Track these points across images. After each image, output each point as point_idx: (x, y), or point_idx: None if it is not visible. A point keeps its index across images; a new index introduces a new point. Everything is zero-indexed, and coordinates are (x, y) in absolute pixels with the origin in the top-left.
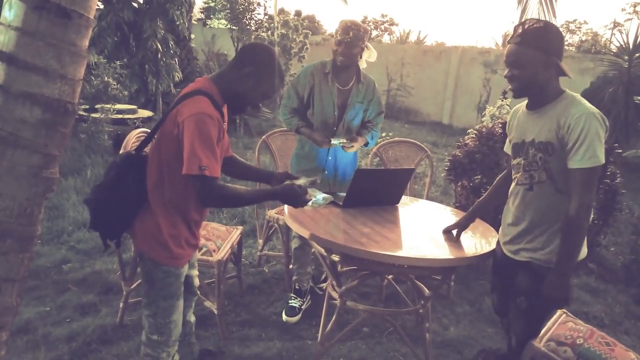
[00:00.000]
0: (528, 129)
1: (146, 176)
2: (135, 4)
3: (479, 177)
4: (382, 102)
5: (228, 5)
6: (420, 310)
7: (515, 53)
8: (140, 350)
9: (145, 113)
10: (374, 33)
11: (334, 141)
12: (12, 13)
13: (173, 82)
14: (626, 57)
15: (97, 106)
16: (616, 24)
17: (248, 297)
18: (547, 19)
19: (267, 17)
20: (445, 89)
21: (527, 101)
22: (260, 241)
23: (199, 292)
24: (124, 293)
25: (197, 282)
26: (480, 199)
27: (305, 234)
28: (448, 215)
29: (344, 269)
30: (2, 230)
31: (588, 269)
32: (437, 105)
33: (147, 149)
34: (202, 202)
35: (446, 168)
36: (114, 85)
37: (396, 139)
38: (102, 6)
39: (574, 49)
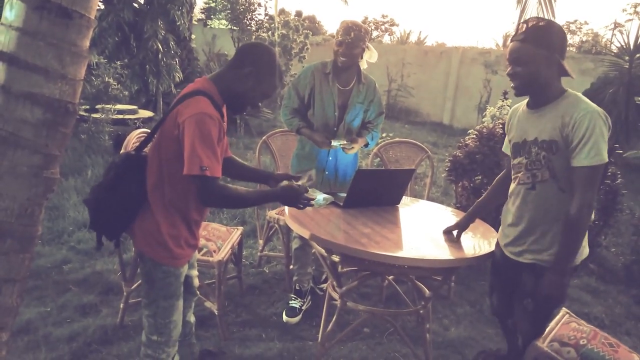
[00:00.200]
0: (529, 127)
1: (146, 176)
2: (136, 5)
3: (480, 177)
4: (383, 103)
5: (229, 6)
6: (421, 311)
7: (518, 50)
8: (141, 350)
9: (145, 113)
10: (375, 33)
11: (334, 143)
12: (13, 13)
13: (174, 82)
14: (627, 58)
15: (98, 106)
16: (617, 25)
17: (248, 297)
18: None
19: (267, 17)
20: (445, 89)
21: (526, 100)
22: (261, 242)
23: (199, 293)
24: (125, 293)
25: (197, 282)
26: (480, 199)
27: (306, 234)
28: (448, 216)
29: (345, 269)
30: (3, 231)
31: (589, 269)
32: (438, 105)
33: (146, 149)
34: (203, 202)
35: (447, 168)
36: (115, 85)
37: (397, 139)
38: (102, 6)
39: (574, 50)
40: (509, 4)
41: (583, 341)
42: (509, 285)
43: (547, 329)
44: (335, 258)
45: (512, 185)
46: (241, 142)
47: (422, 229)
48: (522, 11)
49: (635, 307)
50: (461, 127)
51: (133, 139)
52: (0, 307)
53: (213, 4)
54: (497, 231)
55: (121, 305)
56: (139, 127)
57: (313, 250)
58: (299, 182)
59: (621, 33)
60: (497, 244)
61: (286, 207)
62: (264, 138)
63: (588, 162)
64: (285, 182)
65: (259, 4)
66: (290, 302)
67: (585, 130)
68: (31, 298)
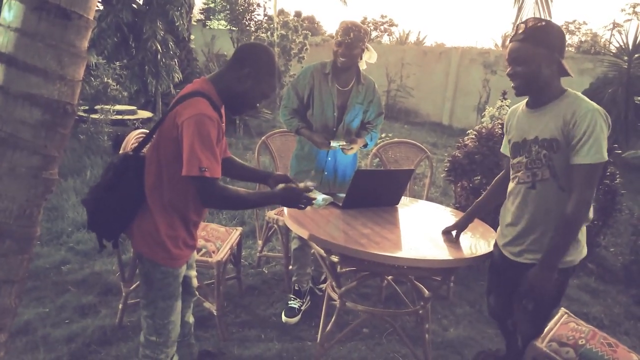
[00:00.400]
0: (530, 127)
1: (144, 177)
2: (134, 5)
3: (479, 177)
4: (382, 103)
5: (228, 6)
6: (420, 311)
7: (517, 50)
8: (139, 351)
9: (144, 114)
10: (374, 34)
11: (333, 143)
12: (11, 14)
13: (173, 83)
14: (626, 58)
15: (97, 107)
16: (615, 25)
17: (247, 298)
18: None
19: (266, 18)
20: (444, 89)
21: (525, 101)
22: (260, 242)
23: (197, 293)
24: (124, 294)
25: (195, 282)
26: (479, 199)
27: (305, 234)
28: (448, 216)
29: (344, 269)
30: (1, 232)
31: (588, 269)
32: (437, 106)
33: (145, 150)
34: (203, 203)
35: (446, 169)
36: (114, 86)
37: (396, 139)
38: (101, 7)
39: (573, 50)
40: (507, 4)
41: (582, 341)
42: (508, 286)
43: (546, 329)
44: (335, 258)
45: (511, 185)
46: (240, 143)
47: (421, 230)
48: (519, 11)
49: (634, 307)
50: (460, 128)
51: (132, 139)
52: None
53: (212, 5)
54: (496, 231)
55: (120, 306)
56: (138, 128)
57: (312, 251)
58: (301, 185)
59: (620, 33)
60: (496, 245)
61: (285, 208)
62: (263, 138)
63: (588, 160)
64: (281, 185)
65: (258, 5)
66: (289, 302)
67: (587, 128)
68: (30, 299)
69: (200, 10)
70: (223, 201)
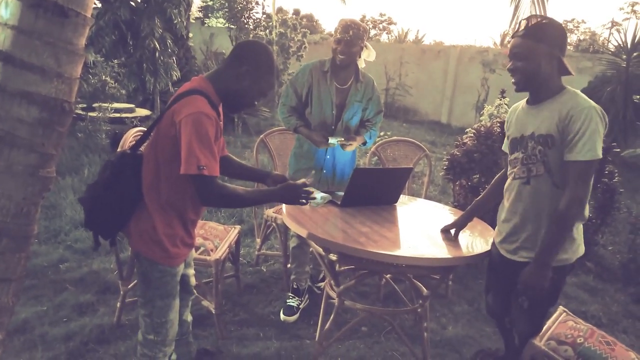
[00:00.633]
0: (528, 123)
1: (142, 175)
2: (132, 3)
3: (478, 176)
4: (381, 101)
5: (226, 4)
6: (419, 310)
7: (519, 45)
8: (137, 350)
9: (143, 112)
10: (372, 32)
11: (331, 140)
12: (8, 12)
13: (171, 81)
14: (624, 57)
15: (95, 105)
16: (614, 23)
17: (246, 296)
18: None
19: (265, 16)
20: (443, 88)
21: (526, 99)
22: (258, 240)
23: (196, 292)
24: (122, 292)
25: (193, 281)
26: (478, 198)
27: (303, 233)
28: (446, 215)
29: (342, 268)
30: None
31: (586, 268)
32: (436, 104)
33: (142, 148)
34: (202, 202)
35: (444, 167)
36: (112, 84)
37: (394, 138)
38: (99, 5)
39: (572, 48)
40: (505, 3)
41: (580, 339)
42: (506, 284)
43: (544, 328)
44: (333, 257)
45: (508, 181)
46: (239, 141)
47: (420, 228)
48: (516, 10)
49: (632, 306)
50: (459, 126)
51: (130, 137)
52: None
53: (210, 3)
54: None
55: (118, 305)
56: (136, 126)
57: (311, 249)
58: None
59: (618, 32)
60: (494, 243)
61: (284, 206)
62: (261, 137)
63: (582, 157)
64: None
65: (257, 3)
66: (287, 300)
67: (581, 125)
68: (27, 297)
69: (198, 8)
70: (221, 199)
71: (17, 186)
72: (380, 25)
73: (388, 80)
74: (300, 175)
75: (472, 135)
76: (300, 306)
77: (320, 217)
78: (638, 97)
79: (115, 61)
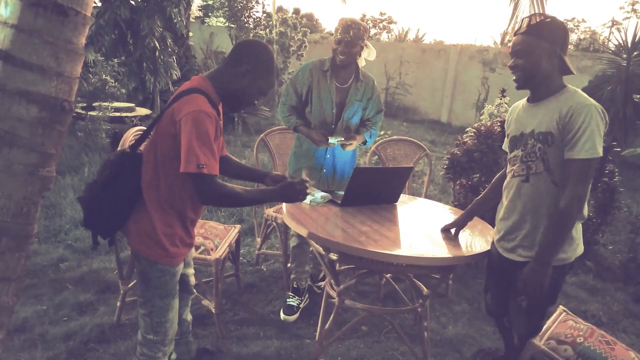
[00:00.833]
0: (528, 121)
1: (141, 174)
2: (132, 2)
3: (478, 175)
4: (382, 101)
5: (226, 3)
6: (419, 309)
7: (520, 42)
8: (137, 349)
9: (143, 111)
10: (373, 31)
11: (331, 140)
12: (8, 10)
13: (171, 80)
14: (624, 56)
15: (95, 104)
16: (614, 23)
17: (246, 295)
18: None
19: (265, 15)
20: (443, 87)
21: (527, 97)
22: (259, 240)
23: (195, 291)
24: (122, 292)
25: (193, 280)
26: (478, 197)
27: (304, 232)
28: (446, 214)
29: (342, 267)
30: None
31: (586, 267)
32: (436, 103)
33: (142, 147)
34: (201, 200)
35: (445, 166)
36: (112, 83)
37: (395, 137)
38: (99, 4)
39: (572, 47)
40: (505, 2)
41: (580, 339)
42: (504, 283)
43: (544, 327)
44: (333, 256)
45: (507, 179)
46: (239, 140)
47: (420, 227)
48: (515, 9)
49: (632, 305)
50: (459, 125)
51: (130, 136)
52: None
53: (210, 2)
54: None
55: (118, 304)
56: (136, 125)
57: (311, 249)
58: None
59: (619, 31)
60: (493, 242)
61: (284, 205)
62: (261, 136)
63: (583, 155)
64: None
65: (257, 2)
66: (287, 300)
67: (582, 123)
68: (28, 296)
69: (198, 7)
70: (220, 198)
71: (17, 185)
72: (381, 25)
73: (388, 79)
74: (300, 174)
75: (472, 134)
76: (301, 305)
77: (320, 216)
78: (638, 96)
79: (115, 60)
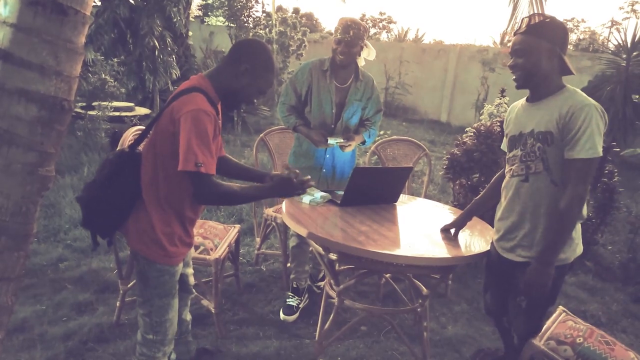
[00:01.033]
0: (527, 120)
1: (140, 174)
2: (132, 1)
3: (477, 175)
4: (381, 100)
5: (226, 3)
6: (418, 309)
7: (520, 42)
8: (136, 349)
9: (142, 110)
10: (372, 31)
11: (330, 141)
12: (7, 9)
13: (170, 79)
14: (624, 56)
15: (94, 103)
16: (614, 23)
17: (245, 295)
18: None
19: (265, 14)
20: (443, 87)
21: (526, 96)
22: (258, 239)
23: (194, 291)
24: (121, 291)
25: (192, 280)
26: (477, 197)
27: (303, 232)
28: (446, 214)
29: (342, 267)
30: None
31: (585, 267)
32: (435, 103)
33: (141, 146)
34: (197, 199)
35: (444, 166)
36: (111, 82)
37: (394, 137)
38: (99, 3)
39: (572, 48)
40: (504, 2)
41: (579, 339)
42: (503, 283)
43: (544, 327)
44: (333, 256)
45: (506, 179)
46: (238, 140)
47: (420, 227)
48: (514, 10)
49: (632, 305)
50: (459, 125)
51: (129, 136)
52: None
53: (210, 1)
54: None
55: (117, 304)
56: (135, 125)
57: (310, 248)
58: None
59: (618, 31)
60: (492, 242)
61: (283, 205)
62: (261, 135)
63: (583, 155)
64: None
65: (257, 1)
66: (287, 300)
67: (582, 123)
68: (27, 296)
69: (198, 6)
70: (217, 197)
71: (16, 185)
72: (380, 24)
73: (388, 79)
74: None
75: (471, 134)
76: (300, 305)
77: (319, 216)
78: (637, 96)
79: (115, 59)
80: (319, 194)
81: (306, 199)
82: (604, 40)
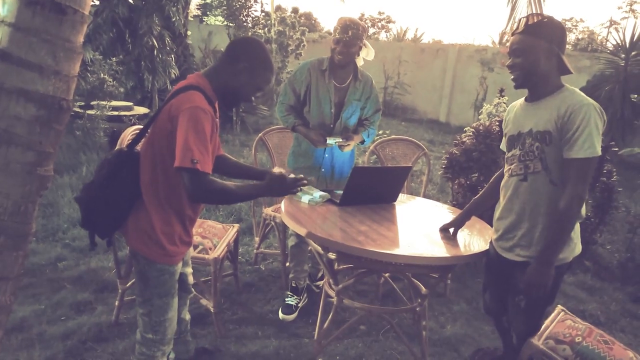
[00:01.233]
0: (526, 120)
1: (139, 173)
2: (131, 0)
3: (476, 175)
4: (380, 100)
5: (225, 2)
6: (417, 308)
7: (518, 41)
8: (135, 348)
9: (141, 110)
10: (371, 30)
11: (329, 141)
12: (5, 9)
13: (169, 79)
14: (623, 56)
15: (93, 103)
16: (613, 22)
17: (244, 295)
18: None
19: (263, 14)
20: (442, 86)
21: (525, 96)
22: (257, 239)
23: (194, 290)
24: (120, 291)
25: (191, 279)
26: (476, 197)
27: (302, 232)
28: (445, 214)
29: (341, 267)
30: None
31: (584, 266)
32: (434, 103)
33: (140, 146)
34: (191, 197)
35: (443, 166)
36: (110, 82)
37: (393, 136)
38: (97, 2)
39: (570, 47)
40: (503, 2)
41: (578, 339)
42: (503, 283)
43: (543, 327)
44: (332, 255)
45: (504, 179)
46: (237, 140)
47: (419, 227)
48: (513, 10)
49: (630, 304)
50: (458, 125)
51: (128, 135)
52: None
53: (209, 1)
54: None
55: (116, 303)
56: (134, 124)
57: (309, 248)
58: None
59: (617, 31)
60: (491, 241)
61: (282, 204)
62: (260, 135)
63: (582, 154)
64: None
65: (255, 1)
66: (286, 299)
67: (580, 122)
68: (25, 296)
69: (197, 6)
70: (212, 195)
71: (14, 184)
72: (379, 24)
73: (387, 78)
74: (298, 173)
75: (470, 134)
76: (299, 305)
77: (319, 215)
78: (636, 96)
79: (114, 59)
80: (318, 194)
81: (305, 198)
82: (602, 40)
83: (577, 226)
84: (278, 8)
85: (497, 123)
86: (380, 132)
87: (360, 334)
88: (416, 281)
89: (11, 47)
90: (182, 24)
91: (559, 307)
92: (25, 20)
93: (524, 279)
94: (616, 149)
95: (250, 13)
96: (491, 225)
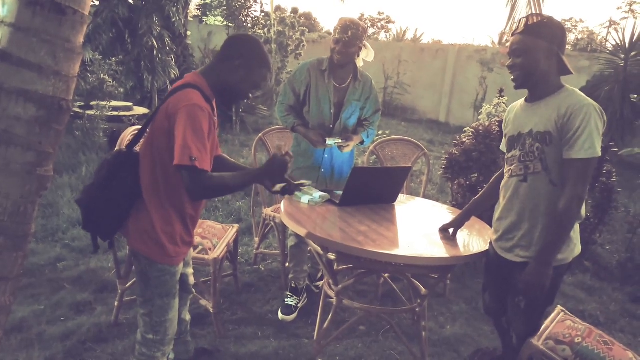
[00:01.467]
0: (526, 121)
1: (139, 173)
2: (130, 1)
3: (476, 175)
4: (379, 100)
5: (224, 2)
6: (417, 309)
7: (518, 42)
8: (135, 349)
9: (141, 110)
10: (371, 30)
11: (329, 141)
12: (5, 9)
13: (169, 79)
14: (622, 56)
15: (93, 103)
16: (612, 23)
17: (244, 295)
18: None
19: (263, 14)
20: (442, 87)
21: (524, 97)
22: (257, 239)
23: (194, 291)
24: (119, 291)
25: (192, 280)
26: (476, 197)
27: (302, 232)
28: (445, 214)
29: (341, 267)
30: None
31: (584, 267)
32: (434, 103)
33: (139, 146)
34: (190, 194)
35: (443, 166)
36: (110, 82)
37: (393, 137)
38: (97, 2)
39: (570, 48)
40: (502, 3)
41: (578, 339)
42: (502, 284)
43: (542, 327)
44: (332, 256)
45: (504, 179)
46: (237, 140)
47: (418, 227)
48: (512, 10)
49: (630, 305)
50: (457, 125)
51: (128, 136)
52: None
53: (209, 1)
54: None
55: (116, 303)
56: (134, 124)
57: (309, 248)
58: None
59: (616, 31)
60: (491, 242)
61: (282, 204)
62: (260, 135)
63: (582, 155)
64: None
65: (255, 1)
66: (286, 299)
67: (580, 123)
68: (25, 296)
69: (196, 6)
70: (211, 191)
71: (14, 184)
72: (379, 24)
73: (386, 79)
74: (298, 173)
75: (470, 134)
76: (299, 305)
77: (318, 216)
78: (636, 96)
79: (113, 59)
80: (317, 194)
81: (305, 198)
82: (602, 40)
83: (577, 226)
84: (278, 8)
85: (496, 123)
86: (380, 132)
87: (360, 334)
88: (416, 281)
89: (11, 48)
90: (182, 24)
91: (559, 307)
92: (25, 21)
93: (523, 279)
94: (616, 149)
95: (249, 13)
96: (491, 226)
